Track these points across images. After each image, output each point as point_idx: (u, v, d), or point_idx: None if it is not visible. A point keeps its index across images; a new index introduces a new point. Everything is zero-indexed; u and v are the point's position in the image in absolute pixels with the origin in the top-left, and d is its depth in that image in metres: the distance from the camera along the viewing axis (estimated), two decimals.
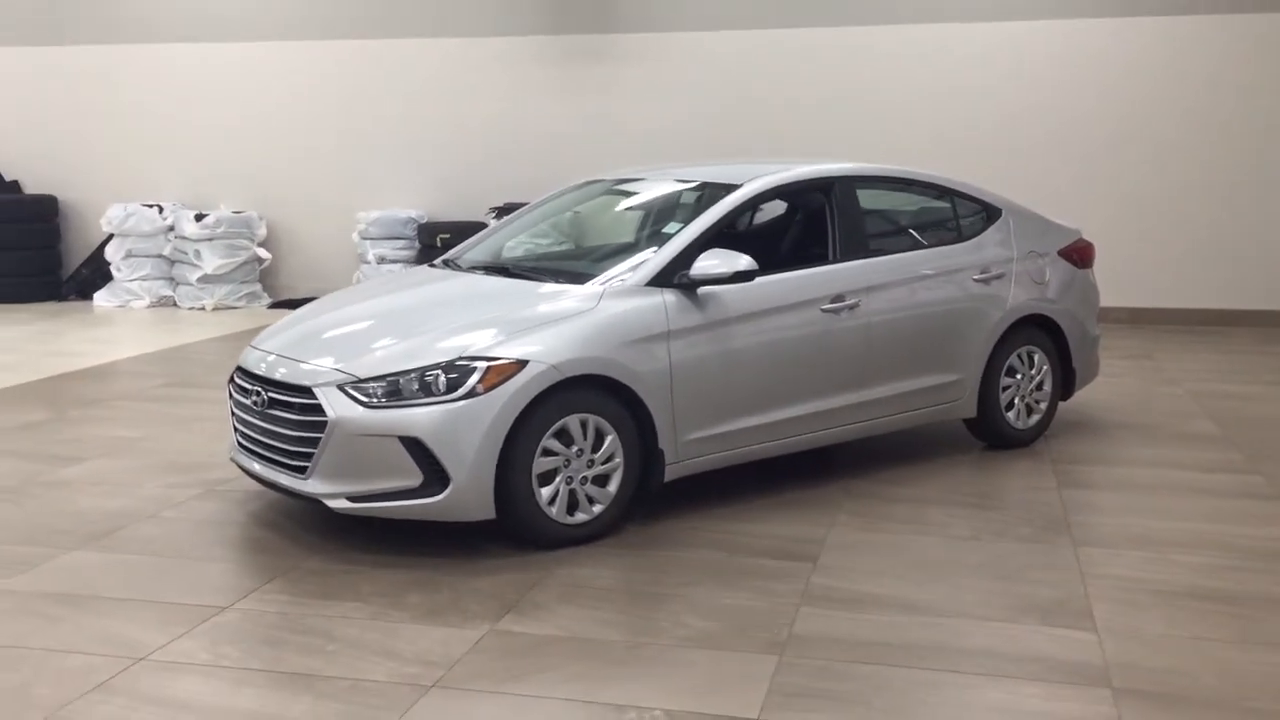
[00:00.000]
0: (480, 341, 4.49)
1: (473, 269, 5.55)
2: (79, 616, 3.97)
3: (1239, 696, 3.37)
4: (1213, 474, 5.67)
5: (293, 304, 10.57)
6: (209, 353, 9.17)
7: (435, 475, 4.34)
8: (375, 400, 4.38)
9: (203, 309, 11.68)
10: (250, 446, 4.87)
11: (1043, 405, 6.12)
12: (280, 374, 4.67)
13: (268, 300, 11.98)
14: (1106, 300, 9.27)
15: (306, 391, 4.51)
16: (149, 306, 11.88)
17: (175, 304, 11.96)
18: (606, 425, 4.62)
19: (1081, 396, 6.98)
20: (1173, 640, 3.74)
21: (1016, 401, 6.01)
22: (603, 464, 4.63)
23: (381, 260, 11.39)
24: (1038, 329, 6.05)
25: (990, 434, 6.02)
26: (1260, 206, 10.24)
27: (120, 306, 11.90)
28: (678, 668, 3.57)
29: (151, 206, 11.94)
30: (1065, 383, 6.25)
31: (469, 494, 4.36)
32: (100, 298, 12.05)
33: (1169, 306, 10.50)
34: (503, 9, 11.44)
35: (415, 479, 4.36)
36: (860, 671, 3.53)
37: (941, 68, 10.62)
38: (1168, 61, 10.25)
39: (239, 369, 5.02)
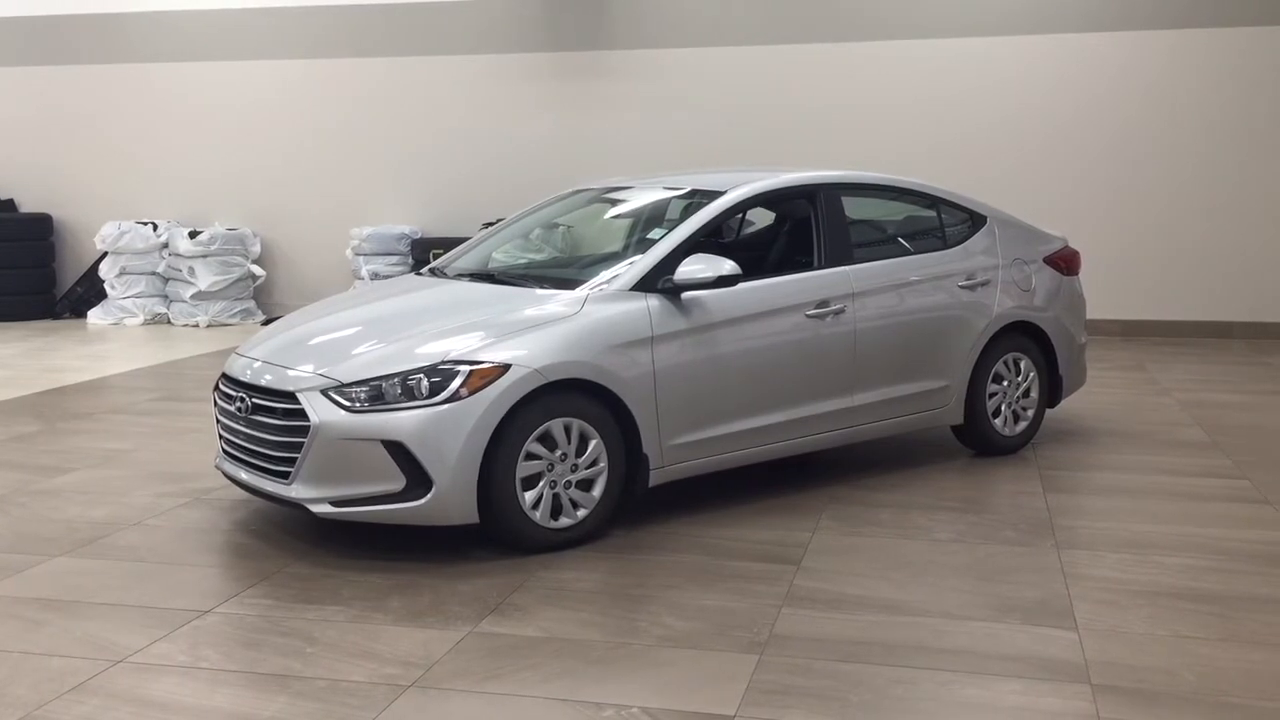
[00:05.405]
0: (463, 345, 4.49)
1: (459, 276, 5.57)
2: (61, 620, 3.97)
3: (1217, 692, 3.36)
4: (1200, 479, 5.67)
5: None
6: (201, 368, 9.18)
7: (418, 479, 4.34)
8: (358, 404, 4.38)
9: (196, 326, 11.71)
10: (235, 453, 4.87)
11: (1029, 412, 6.12)
12: (265, 380, 4.68)
13: (262, 317, 12.00)
14: (1099, 313, 9.33)
15: (290, 397, 4.51)
16: (143, 323, 11.91)
17: (169, 321, 11.99)
18: (590, 429, 4.61)
19: (1071, 406, 7.00)
20: (1154, 639, 3.74)
21: (1003, 408, 6.01)
22: (587, 468, 4.63)
23: (375, 276, 11.42)
24: (1024, 336, 6.06)
25: (977, 441, 6.02)
26: (1251, 219, 10.28)
27: (114, 324, 11.92)
28: (657, 667, 3.56)
29: (146, 224, 12.00)
30: (1052, 390, 6.25)
31: (452, 498, 4.35)
32: (94, 315, 12.08)
33: (1161, 319, 10.52)
34: (495, 27, 11.51)
35: (398, 483, 4.35)
36: (839, 670, 3.52)
37: (931, 82, 10.67)
38: (1157, 74, 10.30)
39: (224, 376, 5.02)
